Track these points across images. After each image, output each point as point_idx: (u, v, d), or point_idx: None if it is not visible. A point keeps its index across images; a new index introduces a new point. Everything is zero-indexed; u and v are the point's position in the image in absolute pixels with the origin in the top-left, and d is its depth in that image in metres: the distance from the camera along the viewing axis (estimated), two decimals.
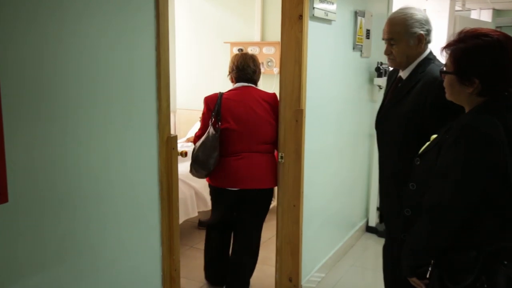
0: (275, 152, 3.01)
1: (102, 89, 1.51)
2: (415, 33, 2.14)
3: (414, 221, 1.63)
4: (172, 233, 1.83)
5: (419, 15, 2.15)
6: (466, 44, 1.53)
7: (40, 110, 1.33)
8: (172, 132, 2.77)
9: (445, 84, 1.64)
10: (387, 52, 2.21)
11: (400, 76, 2.26)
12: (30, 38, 1.28)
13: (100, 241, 1.56)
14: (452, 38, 1.60)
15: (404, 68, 2.20)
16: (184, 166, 4.01)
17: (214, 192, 3.05)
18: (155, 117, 1.72)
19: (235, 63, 2.96)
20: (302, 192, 2.92)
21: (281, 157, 2.91)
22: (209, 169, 2.85)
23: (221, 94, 2.91)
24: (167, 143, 1.77)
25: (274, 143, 2.97)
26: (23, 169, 1.30)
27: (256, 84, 3.02)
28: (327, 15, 2.99)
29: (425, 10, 3.62)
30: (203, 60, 5.23)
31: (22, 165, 1.29)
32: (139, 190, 1.69)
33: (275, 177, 2.96)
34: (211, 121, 2.84)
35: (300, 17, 2.74)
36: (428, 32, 2.17)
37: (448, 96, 1.65)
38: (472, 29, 1.58)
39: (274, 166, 2.95)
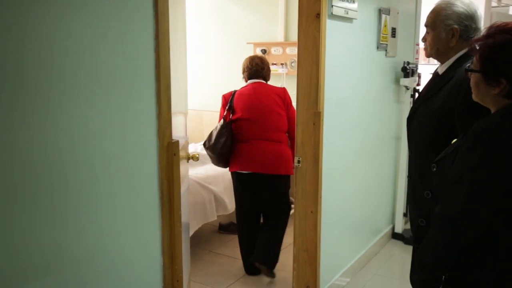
0: (287, 142, 3.30)
1: (97, 91, 1.44)
2: (449, 25, 2.00)
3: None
4: (173, 242, 1.76)
5: (461, 8, 2.00)
6: (495, 40, 1.39)
7: (34, 112, 1.27)
8: (182, 135, 2.72)
9: (471, 83, 1.50)
10: (423, 39, 2.13)
11: (437, 72, 2.15)
12: (26, 38, 1.23)
13: (96, 251, 1.50)
14: (481, 33, 1.47)
15: (442, 61, 2.08)
16: (204, 169, 3.96)
17: (232, 177, 3.42)
18: (155, 122, 1.65)
19: (246, 64, 3.45)
20: (320, 198, 2.80)
21: (298, 161, 2.80)
22: (217, 152, 3.26)
23: (235, 91, 3.40)
24: (168, 149, 1.69)
25: (284, 132, 3.27)
26: (17, 171, 1.25)
27: (266, 80, 3.42)
28: (347, 13, 2.87)
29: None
30: (227, 61, 5.16)
31: (17, 167, 1.24)
32: (138, 197, 1.62)
33: (286, 165, 3.16)
34: (224, 114, 3.35)
35: (318, 15, 2.63)
36: (467, 28, 2.01)
37: (474, 97, 1.51)
38: (504, 23, 1.43)
39: (284, 155, 3.17)
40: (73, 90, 1.37)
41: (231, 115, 3.31)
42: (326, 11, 2.67)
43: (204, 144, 3.34)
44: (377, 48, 3.44)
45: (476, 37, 1.46)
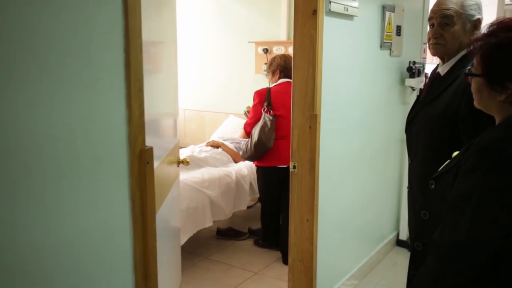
0: None
1: (59, 94, 1.30)
2: (473, 16, 1.86)
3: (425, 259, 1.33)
4: (147, 257, 1.62)
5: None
6: (498, 39, 1.21)
7: None
8: (172, 137, 2.59)
9: (472, 89, 1.33)
10: (437, 35, 1.90)
11: (438, 72, 1.97)
12: None
13: (56, 271, 1.36)
14: (482, 31, 1.30)
15: (447, 59, 1.91)
16: (199, 173, 3.83)
17: (264, 172, 3.66)
18: (125, 128, 1.50)
19: (281, 63, 3.62)
20: (317, 205, 2.65)
21: (294, 167, 2.65)
22: (270, 148, 3.50)
23: (269, 88, 3.61)
24: (140, 156, 1.55)
25: None
26: None
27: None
28: (347, 10, 2.71)
29: None
30: (228, 61, 5.04)
31: None
32: (106, 210, 1.48)
33: None
34: (264, 110, 3.53)
35: (314, 12, 2.47)
36: (482, 19, 1.88)
37: (476, 104, 1.34)
38: (508, 19, 1.26)
39: None
40: (31, 92, 1.22)
41: (271, 111, 3.53)
42: (324, 8, 2.51)
43: (259, 141, 3.48)
44: (381, 47, 3.28)
45: (476, 36, 1.29)
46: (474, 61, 1.30)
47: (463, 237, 1.17)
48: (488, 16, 2.03)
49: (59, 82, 1.29)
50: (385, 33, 3.28)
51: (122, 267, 1.57)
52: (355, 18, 2.86)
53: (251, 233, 4.10)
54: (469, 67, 1.35)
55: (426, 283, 1.26)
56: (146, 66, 2.12)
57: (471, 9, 1.84)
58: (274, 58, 3.69)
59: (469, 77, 1.31)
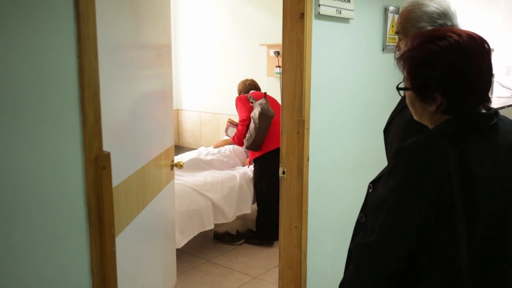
0: None
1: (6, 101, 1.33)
2: (421, 28, 1.78)
3: None
4: (105, 262, 1.63)
5: (431, 7, 1.77)
6: (419, 52, 1.22)
7: None
8: (166, 140, 2.60)
9: (407, 102, 1.34)
10: (396, 48, 1.91)
11: None
12: None
13: (7, 273, 1.39)
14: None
15: None
16: (203, 176, 3.84)
17: (265, 158, 3.94)
18: (79, 133, 1.52)
19: (242, 86, 4.44)
20: (306, 212, 2.60)
21: (283, 172, 2.61)
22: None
23: (247, 94, 4.21)
24: (96, 162, 1.56)
25: None
26: None
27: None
28: (340, 12, 2.65)
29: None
30: (241, 63, 5.03)
31: None
32: (60, 216, 1.49)
33: None
34: (252, 103, 4.12)
35: (302, 15, 2.44)
36: (443, 27, 1.79)
37: (414, 117, 1.35)
38: (430, 31, 1.29)
39: None
40: None
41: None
42: (312, 11, 2.47)
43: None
44: (383, 50, 3.19)
45: (405, 48, 1.29)
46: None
47: (374, 240, 1.21)
48: None
49: (8, 86, 1.32)
50: (388, 35, 3.19)
51: (78, 272, 1.58)
52: (351, 21, 2.79)
53: (241, 235, 4.09)
54: (401, 81, 1.34)
55: (347, 282, 1.31)
56: (130, 69, 2.15)
57: (418, 22, 1.75)
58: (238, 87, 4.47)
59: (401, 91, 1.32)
